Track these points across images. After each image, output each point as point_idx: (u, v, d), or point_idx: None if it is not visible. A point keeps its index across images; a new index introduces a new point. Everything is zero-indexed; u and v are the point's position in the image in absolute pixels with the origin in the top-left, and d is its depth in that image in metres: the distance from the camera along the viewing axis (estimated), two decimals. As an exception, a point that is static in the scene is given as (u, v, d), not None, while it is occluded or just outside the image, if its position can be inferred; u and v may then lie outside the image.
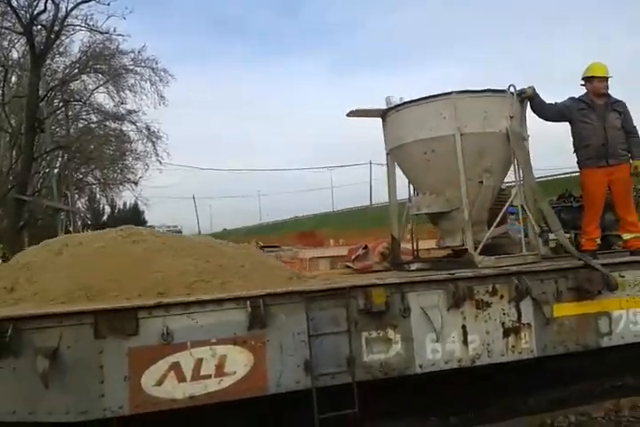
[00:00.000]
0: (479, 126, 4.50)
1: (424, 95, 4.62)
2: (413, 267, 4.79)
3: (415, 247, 5.52)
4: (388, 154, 5.17)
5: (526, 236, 5.15)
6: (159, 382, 3.21)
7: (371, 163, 59.12)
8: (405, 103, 4.73)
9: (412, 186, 5.21)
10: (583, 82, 4.89)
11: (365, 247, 5.18)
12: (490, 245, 4.68)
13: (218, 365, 3.32)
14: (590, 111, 4.74)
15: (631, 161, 4.74)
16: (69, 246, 4.33)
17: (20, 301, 3.70)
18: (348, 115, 5.14)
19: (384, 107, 4.98)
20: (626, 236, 4.73)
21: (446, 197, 4.71)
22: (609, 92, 4.83)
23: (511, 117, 4.60)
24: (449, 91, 4.52)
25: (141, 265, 3.94)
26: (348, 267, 5.20)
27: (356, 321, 3.61)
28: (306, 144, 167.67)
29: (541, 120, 5.00)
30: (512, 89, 4.66)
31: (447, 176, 4.64)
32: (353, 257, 5.16)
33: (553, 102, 4.91)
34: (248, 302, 3.38)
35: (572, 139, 4.95)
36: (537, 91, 4.79)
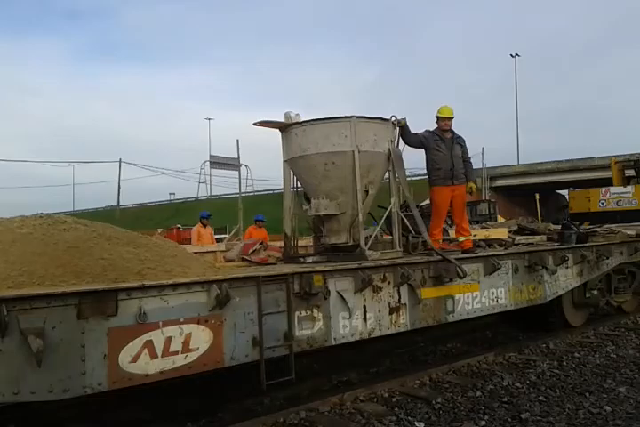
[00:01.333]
0: (370, 146, 5.55)
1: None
2: (309, 260, 5.60)
3: (295, 244, 6.35)
4: (285, 161, 5.92)
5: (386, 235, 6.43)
6: (134, 359, 3.47)
7: (121, 161, 54.20)
8: (311, 120, 5.55)
9: (304, 190, 6.03)
10: (436, 119, 6.33)
11: (262, 243, 5.82)
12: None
13: (184, 342, 3.69)
14: (441, 142, 6.19)
15: (467, 182, 6.33)
16: (-19, 232, 4.13)
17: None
18: (254, 124, 5.75)
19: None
20: (460, 238, 6.26)
21: (338, 202, 5.65)
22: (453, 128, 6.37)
23: (391, 141, 5.78)
24: (350, 115, 5.48)
25: (82, 252, 4.01)
26: (244, 260, 5.76)
27: (292, 303, 4.30)
28: (43, 136, 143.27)
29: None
30: (393, 119, 5.84)
31: (341, 185, 5.59)
32: (250, 251, 5.75)
33: (415, 133, 6.25)
34: (215, 286, 3.82)
35: (425, 163, 6.36)
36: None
